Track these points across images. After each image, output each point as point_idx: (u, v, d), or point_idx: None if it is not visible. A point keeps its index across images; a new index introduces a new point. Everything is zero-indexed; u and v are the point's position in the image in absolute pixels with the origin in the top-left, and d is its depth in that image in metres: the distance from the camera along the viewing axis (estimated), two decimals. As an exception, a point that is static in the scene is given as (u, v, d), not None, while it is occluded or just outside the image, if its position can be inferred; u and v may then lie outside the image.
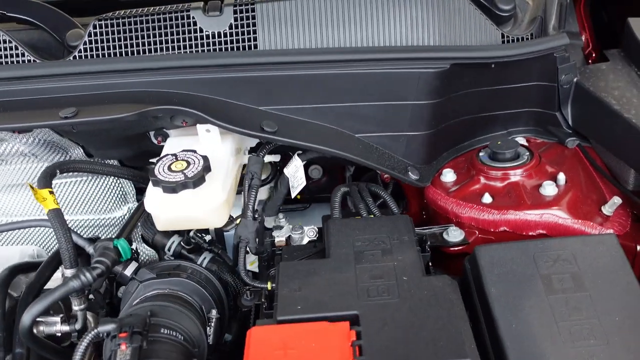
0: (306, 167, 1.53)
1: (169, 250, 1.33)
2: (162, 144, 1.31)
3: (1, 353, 1.02)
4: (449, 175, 1.34)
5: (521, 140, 1.41)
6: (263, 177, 1.44)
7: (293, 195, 1.30)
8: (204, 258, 1.32)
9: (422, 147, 1.34)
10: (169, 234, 1.33)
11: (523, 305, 1.00)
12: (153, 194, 1.10)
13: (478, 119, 1.42)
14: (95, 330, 0.92)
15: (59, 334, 1.11)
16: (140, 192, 1.53)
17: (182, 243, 1.34)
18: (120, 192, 1.58)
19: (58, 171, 1.16)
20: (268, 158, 1.34)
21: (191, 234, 1.36)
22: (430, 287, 1.03)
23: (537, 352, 0.93)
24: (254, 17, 1.27)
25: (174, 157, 1.13)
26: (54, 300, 0.99)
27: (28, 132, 1.23)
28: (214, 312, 1.17)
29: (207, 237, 1.40)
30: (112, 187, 1.55)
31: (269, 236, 1.29)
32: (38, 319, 1.05)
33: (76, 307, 1.09)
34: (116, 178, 1.50)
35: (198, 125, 1.19)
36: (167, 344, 0.97)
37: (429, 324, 0.95)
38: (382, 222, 1.21)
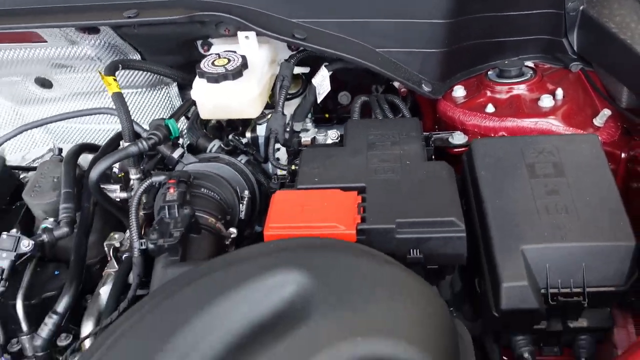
0: (335, 93, 1.71)
1: (210, 152, 1.53)
2: (207, 53, 1.50)
3: (73, 204, 1.24)
4: (459, 91, 1.50)
5: (529, 64, 1.55)
6: (294, 91, 1.63)
7: (319, 100, 1.48)
8: (241, 159, 1.52)
9: (437, 65, 1.49)
10: (210, 138, 1.53)
11: (507, 186, 1.16)
12: (199, 84, 1.30)
13: (489, 45, 1.56)
14: (150, 180, 1.14)
15: (118, 200, 1.34)
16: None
17: (222, 145, 1.54)
18: (170, 105, 1.80)
19: (120, 65, 1.37)
20: (297, 70, 1.52)
21: (230, 137, 1.56)
22: (429, 169, 1.20)
23: (515, 222, 1.09)
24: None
25: (217, 55, 1.32)
26: (115, 160, 1.21)
27: (96, 34, 1.44)
28: (246, 192, 1.37)
29: (244, 140, 1.60)
30: (162, 99, 1.77)
31: (296, 137, 1.48)
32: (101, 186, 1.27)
33: (133, 175, 1.31)
34: (166, 93, 1.72)
35: (239, 33, 1.38)
36: (205, 200, 1.18)
37: (424, 194, 1.13)
38: (394, 122, 1.39)
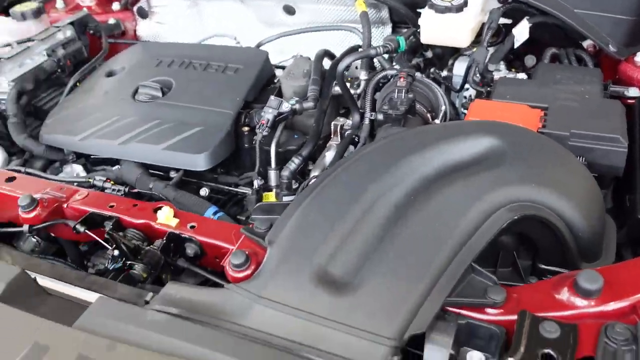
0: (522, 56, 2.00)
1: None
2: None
3: (318, 88, 1.69)
4: (640, 57, 1.73)
5: None
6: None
7: (516, 46, 1.79)
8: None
9: (625, 30, 1.73)
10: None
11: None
12: (427, 13, 1.68)
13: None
14: (386, 72, 1.55)
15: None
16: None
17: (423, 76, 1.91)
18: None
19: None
20: (502, 20, 1.83)
21: (432, 70, 1.92)
22: (604, 103, 1.47)
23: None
24: None
25: (445, -7, 1.69)
26: (357, 58, 1.64)
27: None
28: (443, 107, 1.73)
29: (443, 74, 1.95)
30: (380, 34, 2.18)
31: (489, 74, 1.80)
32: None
33: (362, 77, 1.73)
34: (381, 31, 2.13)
35: (462, -20, 1.73)
36: (421, 95, 1.58)
37: (598, 117, 1.40)
38: (579, 69, 1.67)
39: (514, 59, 1.97)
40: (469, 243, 1.06)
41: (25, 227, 1.36)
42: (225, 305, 1.04)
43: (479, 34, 1.78)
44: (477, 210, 1.10)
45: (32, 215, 1.33)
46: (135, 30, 2.46)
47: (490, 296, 1.00)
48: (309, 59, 1.83)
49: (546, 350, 0.90)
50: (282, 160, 1.64)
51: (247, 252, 1.11)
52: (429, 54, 1.98)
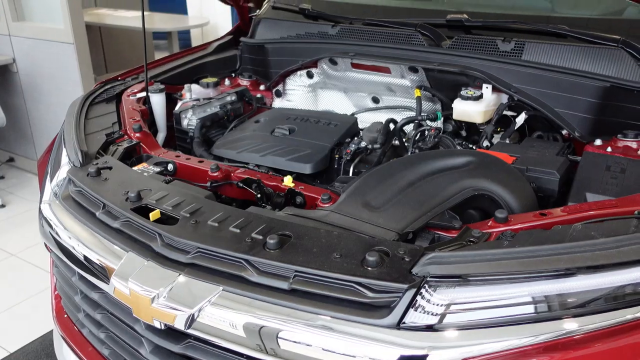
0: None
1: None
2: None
3: (382, 141, 2.73)
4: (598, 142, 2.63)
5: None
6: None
7: (515, 128, 2.76)
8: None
9: (588, 125, 2.66)
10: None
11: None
12: (458, 100, 2.72)
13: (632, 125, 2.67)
14: (422, 129, 2.57)
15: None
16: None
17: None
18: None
19: (423, 87, 2.89)
20: (508, 112, 2.83)
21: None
22: (553, 158, 2.39)
23: None
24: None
25: (469, 88, 2.73)
26: (410, 121, 2.68)
27: (415, 73, 2.98)
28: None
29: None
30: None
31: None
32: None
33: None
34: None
35: (483, 84, 2.77)
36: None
37: (545, 161, 2.32)
38: (549, 142, 2.61)
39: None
40: (448, 201, 2.01)
41: (208, 184, 2.45)
42: (315, 213, 2.03)
43: (491, 118, 2.78)
44: (455, 187, 2.06)
45: (215, 174, 2.42)
46: (271, 104, 3.68)
47: (454, 224, 1.93)
48: (381, 122, 2.91)
49: (472, 239, 1.81)
50: (355, 177, 2.67)
51: (329, 194, 2.12)
52: (464, 132, 2.99)
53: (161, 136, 3.24)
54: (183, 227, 1.93)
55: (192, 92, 3.36)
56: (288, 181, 2.31)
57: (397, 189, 2.08)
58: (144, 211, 2.07)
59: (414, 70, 2.96)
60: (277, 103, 3.66)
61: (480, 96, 2.69)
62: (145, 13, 5.52)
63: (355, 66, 3.20)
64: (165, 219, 2.04)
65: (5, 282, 4.92)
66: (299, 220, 1.95)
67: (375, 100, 3.37)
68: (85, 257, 2.17)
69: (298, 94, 3.57)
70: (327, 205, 2.11)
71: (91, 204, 2.22)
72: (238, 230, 1.87)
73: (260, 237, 1.81)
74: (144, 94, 3.21)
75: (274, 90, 3.65)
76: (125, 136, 2.78)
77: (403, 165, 2.20)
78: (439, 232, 1.94)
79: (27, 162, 7.06)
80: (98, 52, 8.05)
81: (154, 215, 2.02)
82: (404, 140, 2.74)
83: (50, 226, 2.41)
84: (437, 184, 2.08)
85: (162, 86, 3.21)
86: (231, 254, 1.78)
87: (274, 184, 2.35)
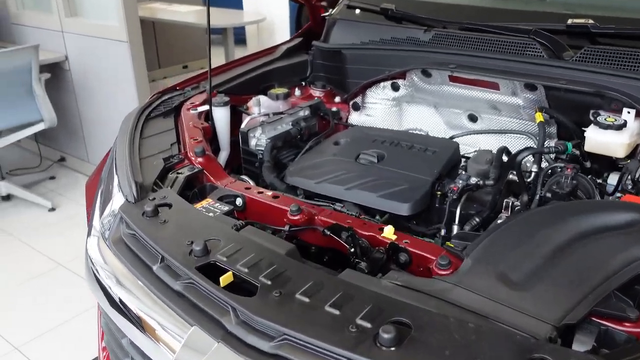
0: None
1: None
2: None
3: (496, 175, 2.23)
4: None
5: None
6: None
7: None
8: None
9: None
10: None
11: None
12: (593, 127, 2.18)
13: None
14: (554, 165, 2.06)
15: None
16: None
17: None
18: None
19: (544, 109, 2.35)
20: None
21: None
22: None
23: None
24: None
25: (608, 115, 2.19)
26: (533, 152, 2.17)
27: (533, 91, 2.45)
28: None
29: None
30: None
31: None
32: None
33: (533, 169, 2.25)
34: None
35: (624, 108, 2.22)
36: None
37: None
38: None
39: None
40: (614, 277, 1.50)
41: (286, 227, 2.00)
42: (434, 286, 1.55)
43: (634, 150, 2.23)
44: (621, 258, 1.54)
45: (296, 217, 1.97)
46: (347, 118, 3.21)
47: (628, 313, 1.42)
48: (491, 151, 2.39)
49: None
50: (461, 221, 2.17)
51: (449, 258, 1.63)
52: (588, 164, 2.44)
53: (224, 155, 2.82)
54: (264, 300, 1.49)
55: (261, 105, 2.92)
56: (389, 233, 1.84)
57: (542, 255, 1.57)
58: (211, 270, 1.64)
59: (531, 87, 2.43)
60: (355, 117, 3.18)
61: (624, 124, 2.14)
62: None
63: (454, 79, 2.69)
64: (239, 283, 1.60)
65: (53, 297, 4.63)
66: (413, 297, 1.48)
67: (473, 118, 2.85)
68: (139, 319, 1.77)
69: (380, 107, 3.09)
70: (446, 272, 1.62)
71: (147, 255, 1.81)
72: (337, 312, 1.41)
73: (369, 326, 1.36)
74: (205, 107, 2.79)
75: (351, 103, 3.18)
76: (186, 160, 2.36)
77: (545, 221, 1.69)
78: (607, 324, 1.43)
79: (78, 163, 6.82)
80: (151, 47, 7.72)
81: (225, 279, 1.59)
82: (523, 177, 2.23)
83: (97, 272, 2.02)
84: (597, 251, 1.57)
85: (227, 98, 2.78)
86: (331, 350, 1.33)
87: (370, 234, 1.88)
